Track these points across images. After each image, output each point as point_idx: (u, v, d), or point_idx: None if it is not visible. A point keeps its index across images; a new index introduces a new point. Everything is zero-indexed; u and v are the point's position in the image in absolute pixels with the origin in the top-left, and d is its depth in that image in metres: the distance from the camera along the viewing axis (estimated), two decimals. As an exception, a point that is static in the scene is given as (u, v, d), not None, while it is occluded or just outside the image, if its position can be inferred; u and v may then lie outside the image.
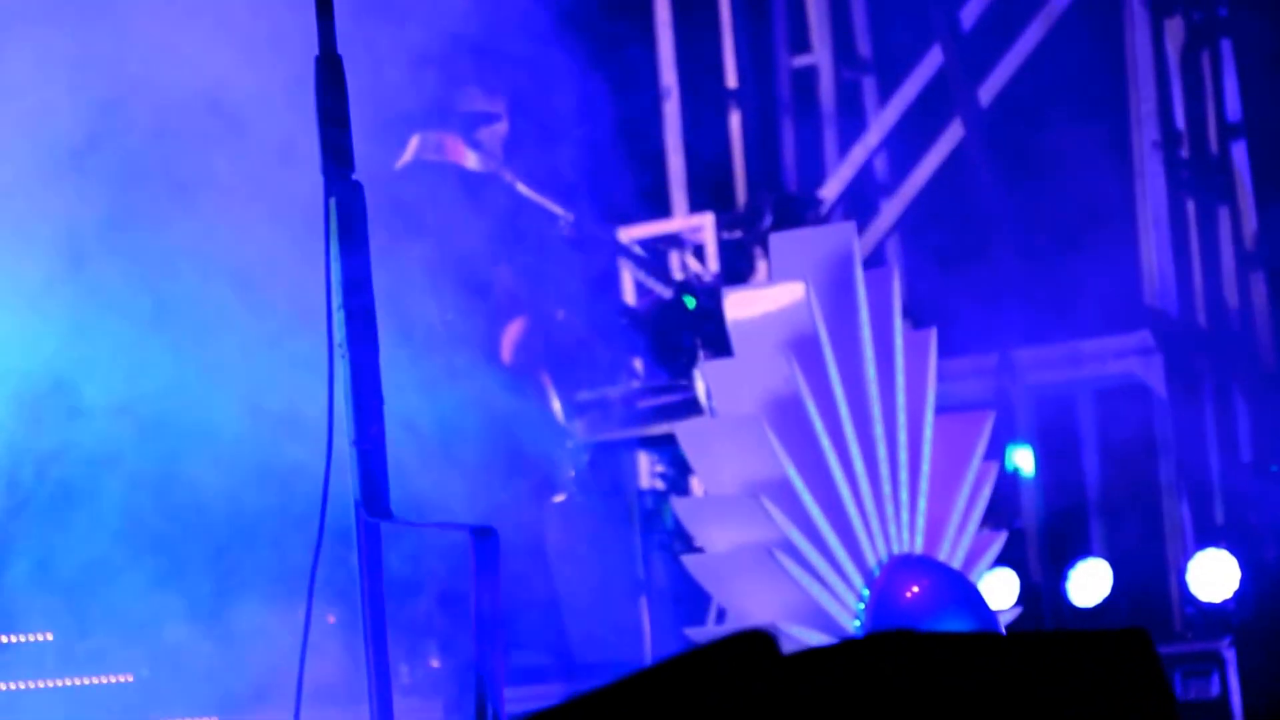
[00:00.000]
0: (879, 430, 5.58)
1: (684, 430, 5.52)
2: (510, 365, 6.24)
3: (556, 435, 6.19)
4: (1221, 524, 8.87)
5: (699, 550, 5.51)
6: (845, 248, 5.63)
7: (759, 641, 2.08)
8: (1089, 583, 8.61)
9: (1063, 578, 8.73)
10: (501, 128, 6.54)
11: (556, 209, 6.57)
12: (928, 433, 5.67)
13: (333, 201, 2.99)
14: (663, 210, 9.74)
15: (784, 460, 5.39)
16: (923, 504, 5.65)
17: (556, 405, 6.22)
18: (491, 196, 6.41)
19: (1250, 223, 9.36)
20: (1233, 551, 8.43)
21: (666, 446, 7.32)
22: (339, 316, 2.97)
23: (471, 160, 6.44)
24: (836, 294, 5.60)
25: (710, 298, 6.52)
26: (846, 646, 2.27)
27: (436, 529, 2.74)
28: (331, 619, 6.72)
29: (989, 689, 2.35)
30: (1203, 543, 8.64)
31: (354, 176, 3.02)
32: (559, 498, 6.31)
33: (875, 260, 9.60)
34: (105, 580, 5.43)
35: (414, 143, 6.49)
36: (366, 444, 2.96)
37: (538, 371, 6.22)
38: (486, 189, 6.41)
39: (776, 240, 5.73)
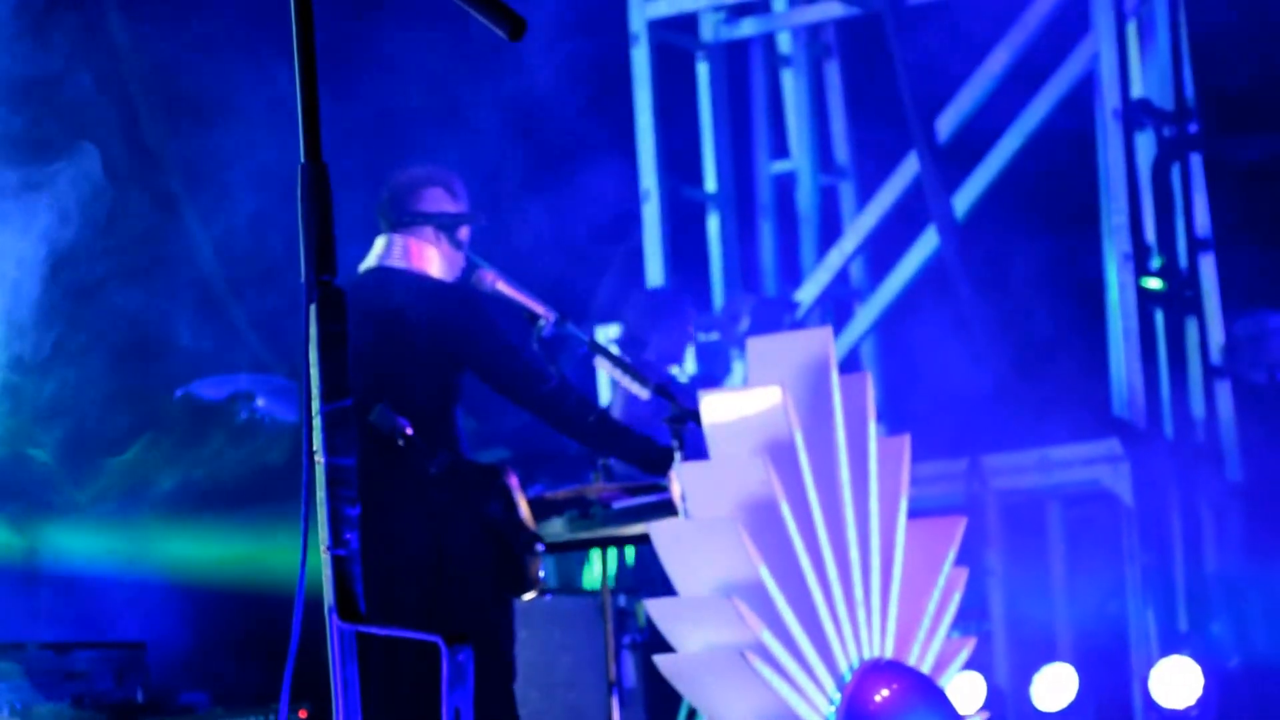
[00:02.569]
0: (852, 534, 5.67)
1: (659, 531, 5.59)
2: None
3: (525, 538, 6.24)
4: (1185, 632, 8.96)
5: (670, 650, 5.58)
6: (822, 352, 5.73)
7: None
8: (1054, 687, 8.69)
9: (1028, 682, 8.81)
10: (466, 229, 6.56)
11: (538, 308, 6.65)
12: (900, 537, 5.76)
13: (313, 308, 3.06)
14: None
15: (757, 562, 5.47)
16: (894, 608, 5.74)
17: (524, 507, 6.28)
18: (475, 300, 6.43)
19: (1217, 335, 9.50)
20: (1196, 659, 8.52)
21: (639, 546, 7.39)
22: (317, 422, 3.03)
23: (436, 266, 6.45)
24: (812, 398, 5.70)
25: (676, 400, 6.59)
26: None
27: (409, 637, 2.79)
28: (303, 714, 6.77)
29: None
30: (1167, 650, 8.73)
31: (335, 283, 3.09)
32: (528, 596, 6.36)
33: (849, 364, 9.73)
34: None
35: (379, 246, 6.50)
36: (341, 549, 3.01)
37: (505, 473, 6.27)
38: (465, 294, 6.42)
39: (754, 344, 5.82)
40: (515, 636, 6.35)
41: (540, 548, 6.27)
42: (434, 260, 6.40)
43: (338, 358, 3.00)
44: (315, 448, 3.00)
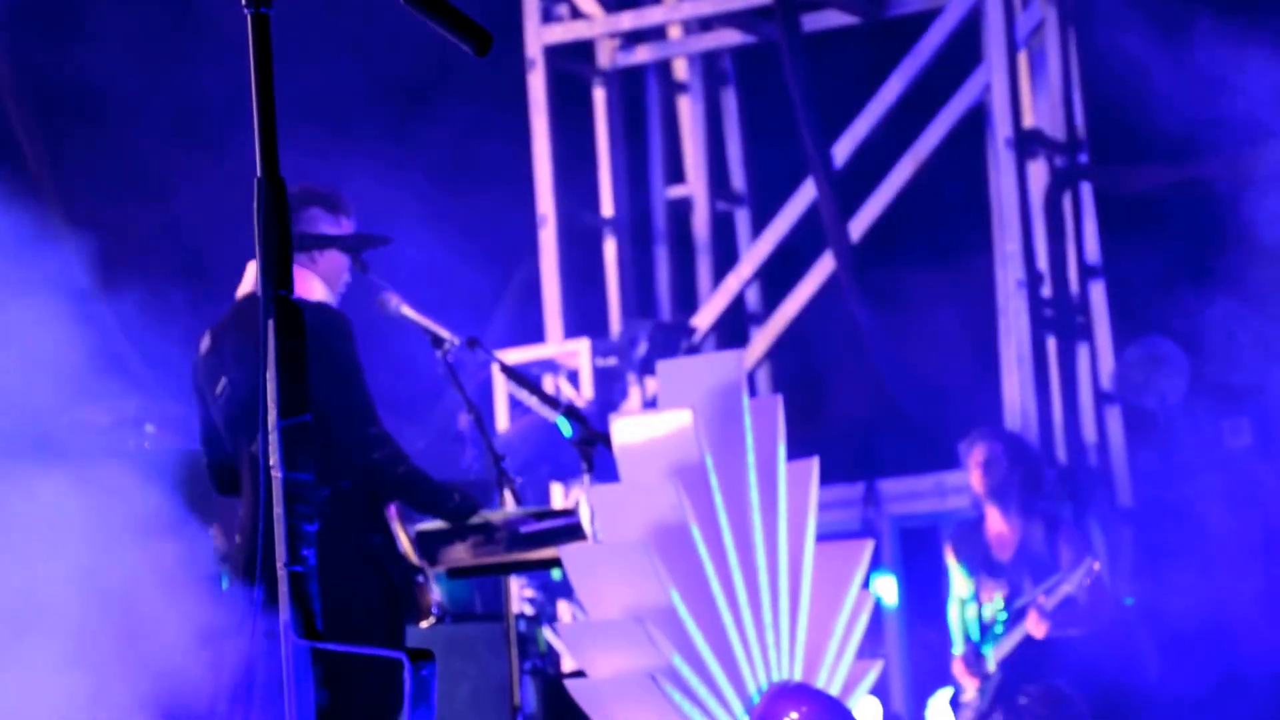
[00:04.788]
0: (761, 558, 5.70)
1: (569, 555, 5.59)
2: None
3: (404, 568, 6.19)
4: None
5: (576, 674, 5.58)
6: (732, 376, 5.76)
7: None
8: (950, 711, 8.76)
9: (923, 705, 8.87)
10: (340, 257, 6.38)
11: (442, 332, 6.63)
12: (808, 561, 5.80)
13: (270, 322, 3.06)
14: (537, 335, 9.85)
15: (668, 586, 5.48)
16: (802, 631, 5.77)
17: (404, 538, 6.22)
18: (341, 328, 6.28)
19: (1108, 361, 9.62)
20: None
21: (537, 571, 7.38)
22: (274, 437, 3.03)
23: (318, 290, 6.30)
24: (722, 422, 5.72)
25: (586, 423, 6.59)
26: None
27: (369, 654, 2.78)
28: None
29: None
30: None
31: (292, 297, 3.09)
32: (425, 623, 6.32)
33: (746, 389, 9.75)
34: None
35: (251, 270, 6.35)
36: (297, 565, 3.01)
37: (383, 505, 6.20)
38: (334, 321, 6.28)
39: (664, 367, 5.84)
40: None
41: (420, 578, 6.22)
42: (310, 283, 6.23)
43: (296, 372, 2.99)
44: (272, 462, 2.98)
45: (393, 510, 6.23)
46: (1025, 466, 8.40)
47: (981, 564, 8.30)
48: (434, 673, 2.91)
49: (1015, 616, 8.15)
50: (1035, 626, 8.07)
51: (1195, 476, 9.05)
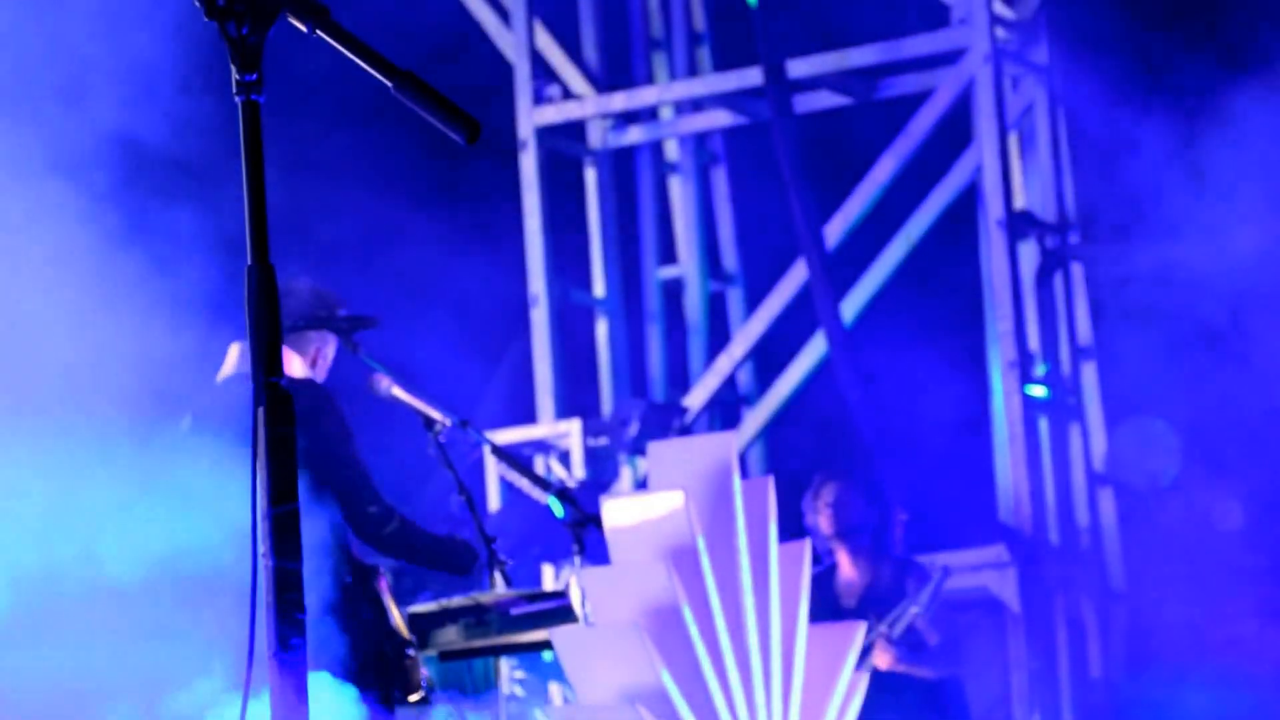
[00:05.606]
0: (753, 639, 5.68)
1: (560, 637, 5.58)
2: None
3: (397, 643, 6.18)
4: (1072, 737, 9.02)
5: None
6: (723, 457, 5.76)
7: None
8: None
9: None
10: (327, 339, 6.41)
11: (435, 414, 6.63)
12: (801, 642, 5.78)
13: (261, 410, 3.06)
14: (528, 416, 9.85)
15: (660, 668, 5.47)
16: (795, 714, 5.74)
17: (395, 612, 6.22)
18: (322, 402, 6.30)
19: (1100, 442, 9.61)
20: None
21: (527, 653, 7.36)
22: (264, 526, 3.02)
23: (297, 367, 6.34)
24: (714, 503, 5.72)
25: (577, 504, 6.58)
26: None
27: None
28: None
29: None
30: (1054, 756, 8.77)
31: (282, 383, 3.08)
32: (414, 698, 6.31)
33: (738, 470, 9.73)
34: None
35: (233, 352, 6.39)
36: (287, 656, 2.99)
37: (375, 578, 6.20)
38: (314, 395, 6.30)
39: (655, 448, 5.84)
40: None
41: (411, 652, 6.22)
42: (294, 363, 6.27)
43: (286, 460, 2.99)
44: (262, 550, 2.97)
45: (384, 583, 6.22)
46: (879, 509, 8.11)
47: (829, 615, 7.83)
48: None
49: (862, 656, 7.71)
50: (880, 657, 7.73)
51: (1187, 558, 9.03)
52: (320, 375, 6.42)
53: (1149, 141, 9.09)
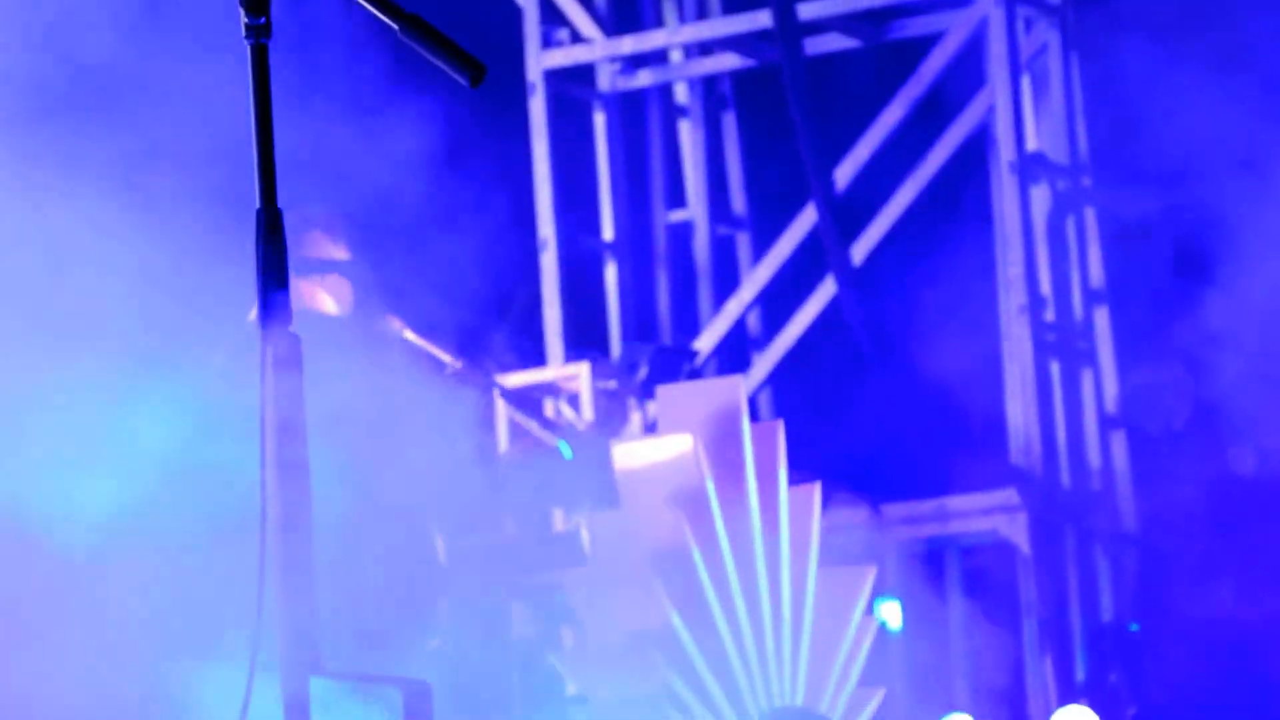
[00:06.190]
0: (763, 583, 5.67)
1: (572, 580, 5.58)
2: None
3: (439, 580, 6.20)
4: (1082, 682, 9.01)
5: (582, 699, 5.56)
6: (732, 400, 5.75)
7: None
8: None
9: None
10: (342, 281, 6.46)
11: (444, 355, 6.61)
12: (811, 586, 5.77)
13: (269, 351, 3.04)
14: (538, 359, 9.82)
15: (670, 611, 5.46)
16: (804, 657, 5.74)
17: (440, 548, 6.23)
18: (355, 341, 6.36)
19: (1112, 385, 9.58)
20: (1094, 709, 8.56)
21: (541, 594, 7.34)
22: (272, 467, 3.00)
23: (329, 305, 6.39)
24: (723, 446, 5.71)
25: (586, 447, 6.58)
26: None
27: (368, 683, 2.75)
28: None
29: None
30: (1064, 700, 8.76)
31: (290, 329, 3.07)
32: (434, 643, 6.32)
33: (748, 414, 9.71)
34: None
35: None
36: (295, 593, 2.98)
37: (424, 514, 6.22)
38: (346, 334, 6.36)
39: (664, 392, 5.84)
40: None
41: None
42: (324, 303, 6.31)
43: (294, 406, 2.97)
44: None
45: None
46: None
47: None
48: (430, 702, 2.88)
49: None
50: None
51: (1200, 502, 9.01)
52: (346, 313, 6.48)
53: (1164, 84, 9.04)
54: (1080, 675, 9.05)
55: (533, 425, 6.56)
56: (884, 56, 9.78)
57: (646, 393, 9.49)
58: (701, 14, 10.15)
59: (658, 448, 5.61)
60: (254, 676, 2.99)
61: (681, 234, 10.36)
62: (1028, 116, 9.63)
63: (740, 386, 5.81)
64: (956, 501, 9.16)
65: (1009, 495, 9.07)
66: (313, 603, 2.97)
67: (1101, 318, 9.65)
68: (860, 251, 9.58)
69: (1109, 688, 9.01)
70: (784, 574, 5.69)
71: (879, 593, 8.99)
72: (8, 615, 5.13)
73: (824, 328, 9.73)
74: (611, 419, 9.76)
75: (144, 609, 5.40)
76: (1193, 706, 8.54)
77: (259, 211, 3.07)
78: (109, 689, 5.22)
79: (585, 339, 9.85)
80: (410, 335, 6.64)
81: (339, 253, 6.50)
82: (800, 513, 5.80)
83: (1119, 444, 9.54)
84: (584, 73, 10.18)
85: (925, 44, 9.63)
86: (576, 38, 10.11)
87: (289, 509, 2.99)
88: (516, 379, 9.42)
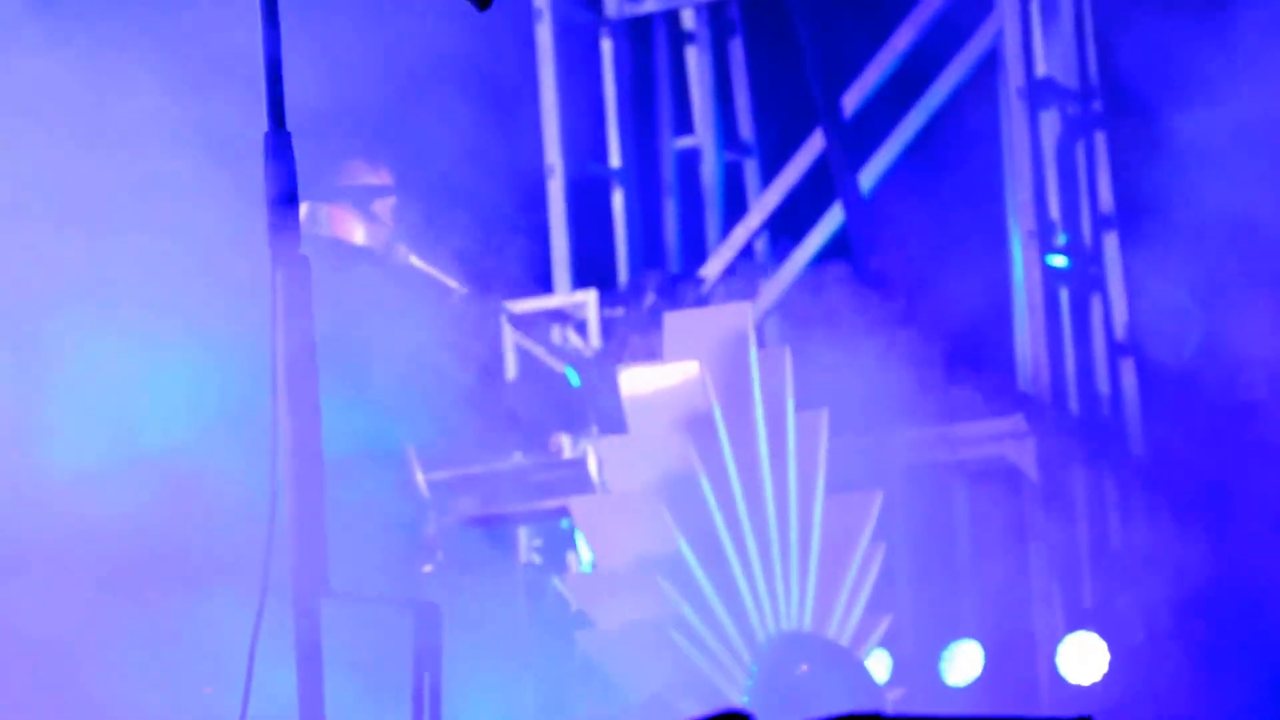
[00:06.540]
0: (771, 508, 5.66)
1: (578, 505, 5.57)
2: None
3: (419, 508, 6.19)
4: (1090, 608, 9.01)
5: (588, 625, 5.56)
6: (740, 327, 5.72)
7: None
8: (961, 664, 8.72)
9: (934, 658, 8.82)
10: (390, 200, 6.55)
11: (451, 282, 6.60)
12: (818, 512, 5.76)
13: (280, 274, 3.03)
14: (545, 286, 9.80)
15: (677, 536, 5.45)
16: (812, 582, 5.73)
17: (420, 479, 6.23)
18: (376, 271, 6.39)
19: (1121, 312, 9.55)
20: (1101, 635, 8.57)
21: (545, 521, 7.34)
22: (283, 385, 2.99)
23: (360, 235, 6.43)
24: (730, 373, 5.69)
25: (593, 373, 6.56)
26: None
27: (377, 605, 2.75)
28: (208, 690, 6.67)
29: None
30: (1072, 626, 8.77)
31: (300, 251, 3.06)
32: (427, 568, 6.32)
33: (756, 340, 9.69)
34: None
35: (302, 213, 6.46)
36: (305, 516, 2.97)
37: (402, 445, 6.22)
38: (372, 263, 6.39)
39: (671, 318, 5.81)
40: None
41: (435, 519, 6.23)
42: (357, 231, 6.37)
43: (304, 328, 2.96)
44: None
45: (410, 449, 6.22)
46: None
47: None
48: (440, 623, 2.87)
49: None
50: None
51: (1210, 429, 8.99)
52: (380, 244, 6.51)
53: (1176, 6, 8.97)
54: (1088, 601, 9.05)
55: (540, 351, 6.54)
56: (892, -19, 9.72)
57: (654, 319, 9.47)
58: (708, -62, 10.09)
59: (664, 374, 5.59)
60: (265, 598, 2.98)
61: (689, 160, 10.32)
62: (1037, 41, 9.56)
63: (748, 313, 5.79)
64: (964, 428, 9.14)
65: (1017, 421, 9.05)
66: (323, 526, 2.96)
67: (1111, 244, 9.61)
68: (868, 177, 9.54)
69: (1116, 614, 9.01)
70: (791, 500, 5.68)
71: (886, 519, 8.99)
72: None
73: (832, 254, 9.70)
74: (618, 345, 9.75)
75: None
76: (1199, 635, 8.54)
77: (267, 135, 3.04)
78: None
79: (592, 266, 9.82)
80: (416, 261, 6.62)
81: (381, 178, 6.56)
82: (807, 439, 5.78)
83: (1128, 371, 9.51)
84: (590, -1, 10.13)
85: (934, -33, 9.57)
86: (583, -37, 10.05)
87: (299, 431, 2.98)
88: (524, 305, 9.40)
